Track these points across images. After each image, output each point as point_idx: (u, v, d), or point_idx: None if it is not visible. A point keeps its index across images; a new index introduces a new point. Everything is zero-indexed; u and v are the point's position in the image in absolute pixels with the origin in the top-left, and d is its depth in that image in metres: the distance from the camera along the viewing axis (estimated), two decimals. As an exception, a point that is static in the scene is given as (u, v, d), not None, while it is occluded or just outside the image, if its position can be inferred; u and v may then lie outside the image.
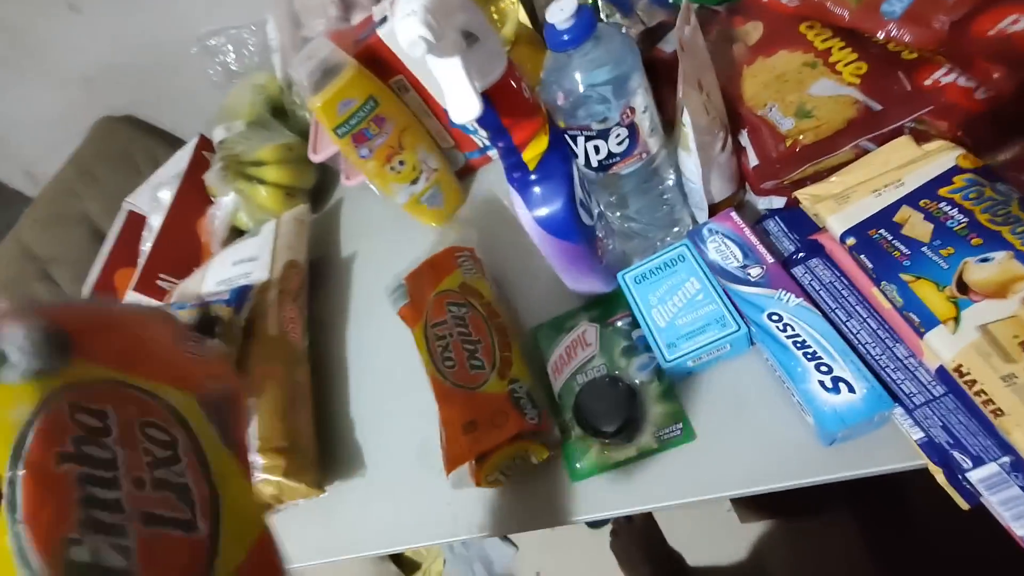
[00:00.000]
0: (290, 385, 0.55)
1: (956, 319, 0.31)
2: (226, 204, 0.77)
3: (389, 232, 0.70)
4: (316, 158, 0.64)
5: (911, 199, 0.35)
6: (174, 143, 1.08)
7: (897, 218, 0.35)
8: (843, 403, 0.34)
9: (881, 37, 0.37)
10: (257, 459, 0.50)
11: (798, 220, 0.43)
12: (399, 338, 0.56)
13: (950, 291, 0.32)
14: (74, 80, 1.07)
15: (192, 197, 0.80)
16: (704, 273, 0.42)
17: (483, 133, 0.48)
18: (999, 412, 0.28)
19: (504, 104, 0.33)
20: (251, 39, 0.88)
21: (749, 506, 1.02)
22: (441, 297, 0.48)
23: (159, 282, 0.74)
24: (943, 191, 0.35)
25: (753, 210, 0.47)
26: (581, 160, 0.39)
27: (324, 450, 0.55)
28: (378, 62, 0.53)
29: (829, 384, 0.34)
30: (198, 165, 0.82)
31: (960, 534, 0.82)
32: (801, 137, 0.40)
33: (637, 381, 0.43)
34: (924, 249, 0.33)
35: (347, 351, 0.63)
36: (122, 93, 1.03)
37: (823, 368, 0.35)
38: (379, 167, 0.55)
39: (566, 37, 0.32)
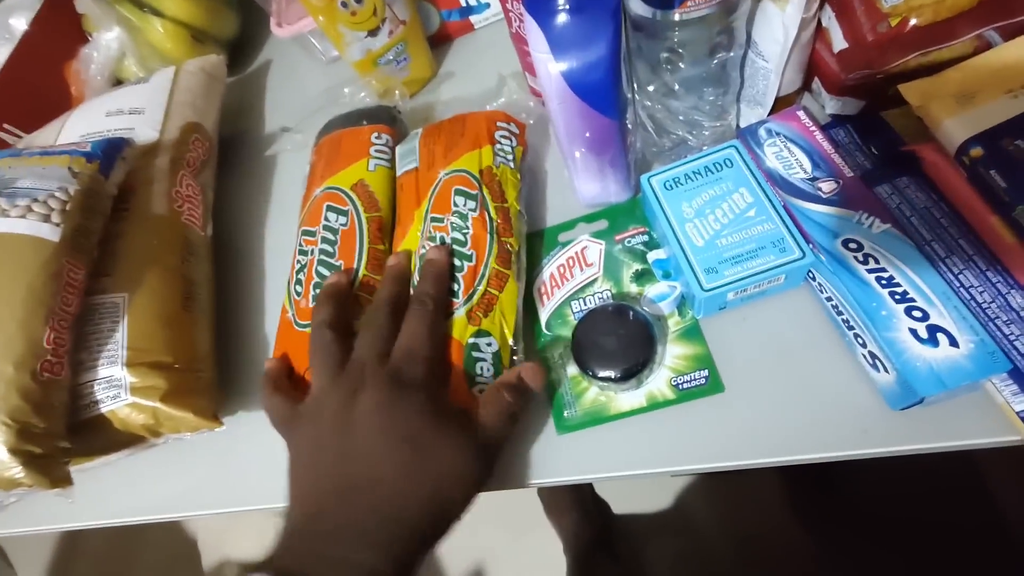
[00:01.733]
0: (180, 280, 0.41)
1: (1118, 261, 0.23)
2: (107, 43, 0.58)
3: (330, 109, 0.55)
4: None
5: (1056, 106, 0.27)
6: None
7: (1039, 127, 0.27)
8: (943, 360, 0.26)
9: None
10: (125, 375, 0.36)
11: (876, 131, 0.34)
12: None
13: (1112, 225, 0.24)
14: None
15: (57, 29, 0.59)
16: (759, 183, 0.33)
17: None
18: None
19: None
20: None
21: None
22: (452, 182, 0.36)
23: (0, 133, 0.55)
24: (1101, 99, 0.26)
25: (815, 117, 0.37)
26: (640, -14, 0.27)
27: (225, 372, 0.42)
28: None
29: (924, 334, 0.26)
30: (68, -14, 0.61)
31: (887, 498, 0.84)
32: (912, 14, 0.31)
33: (653, 314, 0.33)
34: (1076, 169, 0.25)
35: (265, 252, 0.49)
36: None
37: (916, 313, 0.27)
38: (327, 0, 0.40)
39: None
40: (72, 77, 0.61)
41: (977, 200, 0.28)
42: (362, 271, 0.36)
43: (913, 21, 0.31)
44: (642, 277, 0.35)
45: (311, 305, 0.36)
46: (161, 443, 0.39)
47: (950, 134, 0.28)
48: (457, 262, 0.34)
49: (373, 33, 0.44)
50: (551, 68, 0.27)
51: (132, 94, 0.48)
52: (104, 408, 0.36)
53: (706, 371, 0.32)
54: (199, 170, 0.48)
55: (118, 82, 0.60)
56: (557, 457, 0.33)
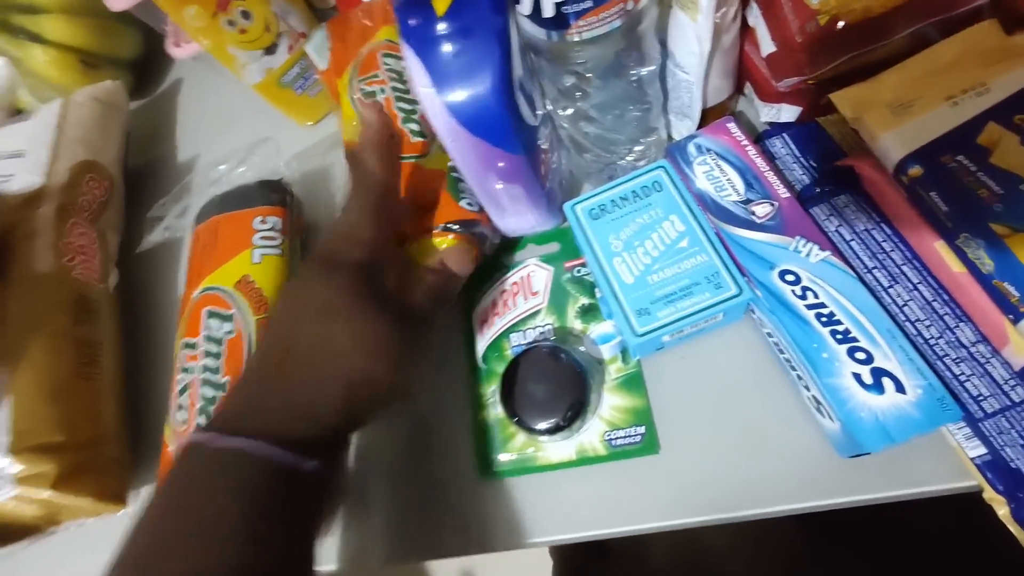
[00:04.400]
0: (73, 345, 0.37)
1: (1072, 295, 0.21)
2: (-7, 73, 0.52)
3: (251, 128, 0.50)
4: (115, 4, 0.42)
5: (1000, 112, 0.24)
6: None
7: (982, 140, 0.24)
8: (889, 408, 0.23)
9: None
10: (8, 465, 0.32)
11: (815, 140, 0.31)
12: None
13: (1065, 252, 0.21)
14: None
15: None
16: (690, 209, 0.30)
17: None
18: None
19: None
20: None
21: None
22: (376, 49, 0.36)
23: None
24: (1048, 103, 0.24)
25: (749, 124, 0.34)
26: (526, 7, 0.23)
27: (141, 437, 0.38)
28: None
29: (868, 379, 0.24)
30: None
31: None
32: (841, 13, 0.27)
33: (594, 356, 0.30)
34: None
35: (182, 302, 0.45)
36: None
37: (859, 355, 0.24)
38: (206, 16, 0.36)
39: None
40: (-40, 111, 0.56)
41: (921, 222, 0.25)
42: None
43: (844, 18, 0.27)
44: (588, 313, 0.32)
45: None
46: (63, 529, 0.35)
47: (887, 150, 0.25)
48: (407, 106, 0.34)
49: (270, 50, 0.40)
50: (436, 103, 0.24)
51: (11, 134, 0.44)
52: (-6, 502, 0.32)
53: (643, 428, 0.29)
54: (96, 214, 0.43)
55: (15, 114, 0.55)
56: (482, 511, 0.30)
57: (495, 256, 0.35)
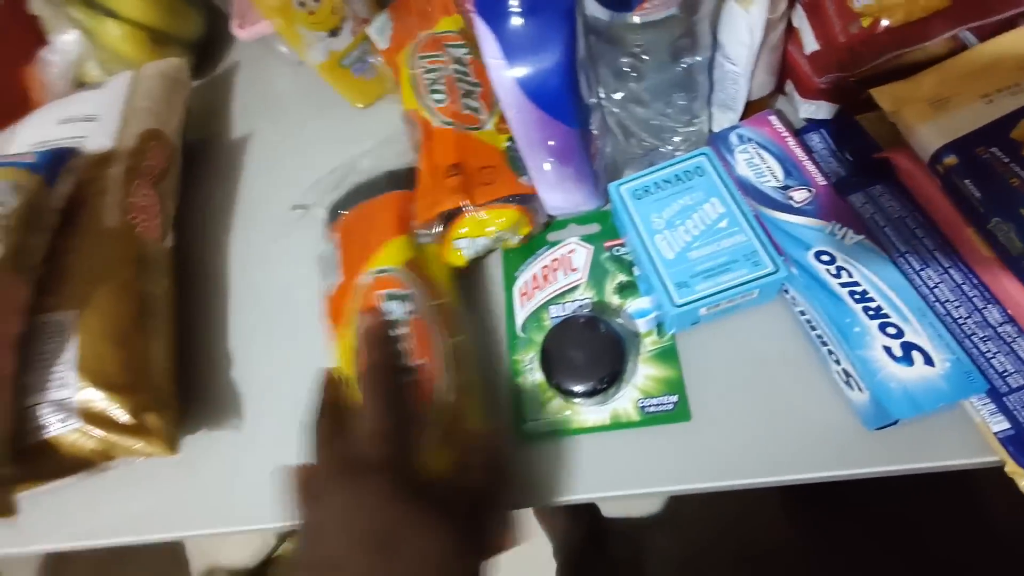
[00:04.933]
0: (135, 296, 0.39)
1: (1097, 276, 0.22)
2: (66, 45, 0.55)
3: (298, 111, 0.53)
4: (192, -15, 0.45)
5: (1034, 111, 0.26)
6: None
7: (1016, 134, 0.25)
8: (917, 380, 0.24)
9: None
10: (74, 398, 0.34)
11: (851, 136, 0.32)
12: (303, 251, 0.42)
13: (1091, 237, 0.23)
14: None
15: (13, 29, 0.57)
16: (730, 193, 0.31)
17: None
18: None
19: None
20: None
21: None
22: (438, 38, 0.38)
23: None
24: (1079, 103, 0.25)
25: (787, 121, 0.36)
26: (595, -12, 0.25)
27: (187, 389, 0.40)
28: None
29: (898, 352, 0.25)
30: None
31: (876, 492, 0.83)
32: (883, 15, 0.29)
33: (630, 329, 0.32)
34: (1053, 178, 0.24)
35: (230, 265, 0.47)
36: None
37: (890, 330, 0.25)
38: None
39: None
40: (32, 80, 0.59)
41: (952, 210, 0.26)
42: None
43: (885, 21, 0.29)
44: (625, 290, 0.34)
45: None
46: (114, 467, 0.37)
47: (923, 141, 0.27)
48: (468, 86, 0.35)
49: (334, 33, 0.42)
50: (505, 74, 0.26)
51: (86, 100, 0.46)
52: (52, 433, 0.34)
53: (675, 396, 0.30)
54: (158, 179, 0.46)
55: (81, 86, 0.58)
56: (522, 469, 0.31)
57: (539, 235, 0.36)
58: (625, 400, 0.31)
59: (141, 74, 0.49)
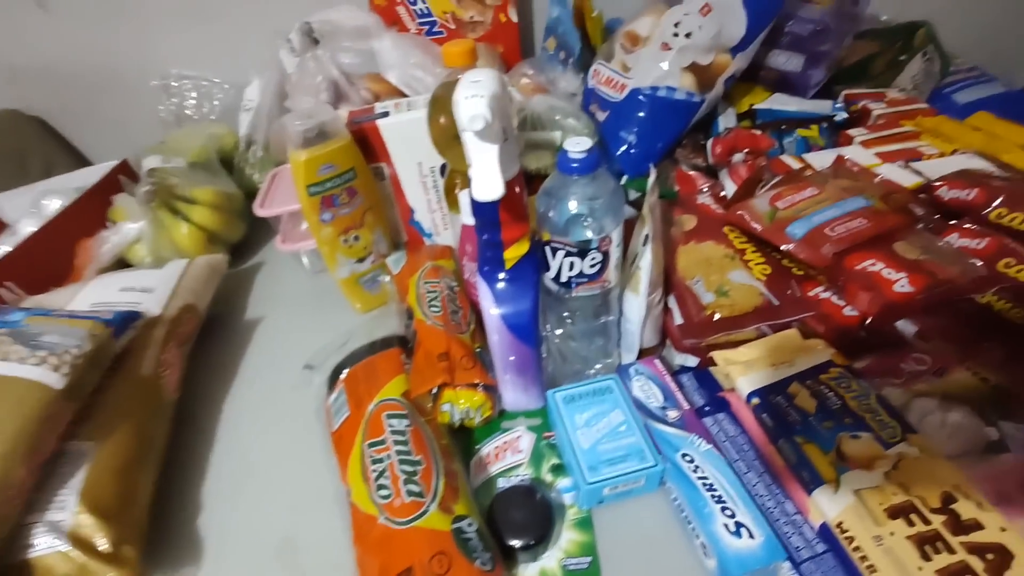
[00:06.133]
0: (146, 438, 0.46)
1: (837, 481, 0.36)
2: (127, 231, 0.70)
3: (305, 308, 0.67)
4: (261, 212, 0.62)
5: (800, 377, 0.43)
6: (78, 161, 0.98)
7: (790, 390, 0.42)
8: (744, 548, 0.36)
9: (783, 249, 0.49)
10: (69, 521, 0.39)
11: (706, 380, 0.49)
12: (285, 422, 0.51)
13: (832, 457, 0.37)
14: None
15: (86, 214, 0.72)
16: (628, 407, 0.45)
17: (473, 221, 0.49)
18: (873, 569, 0.32)
19: (504, 202, 0.37)
20: (220, 94, 0.89)
21: None
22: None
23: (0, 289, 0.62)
24: (823, 377, 0.43)
25: (668, 364, 0.53)
26: (552, 273, 0.43)
27: (155, 528, 0.44)
28: (365, 145, 0.57)
29: (732, 527, 0.37)
30: (109, 185, 0.75)
31: None
32: (718, 310, 0.48)
33: (558, 501, 0.42)
34: (811, 419, 0.40)
35: (219, 421, 0.55)
36: (47, 95, 0.94)
37: (728, 511, 0.38)
38: (334, 235, 0.55)
39: (575, 164, 0.38)
40: (83, 250, 0.71)
41: (761, 433, 0.41)
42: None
43: (718, 315, 0.48)
44: (557, 470, 0.45)
45: (407, 500, 0.37)
46: (72, 597, 0.39)
47: (741, 387, 0.43)
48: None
49: (361, 260, 0.59)
50: (493, 312, 0.41)
51: (146, 276, 0.59)
52: (35, 554, 0.38)
53: (590, 559, 0.40)
54: (184, 341, 0.56)
55: (119, 263, 0.71)
56: None
57: (495, 422, 0.48)
58: (551, 559, 0.40)
59: (193, 263, 0.63)
